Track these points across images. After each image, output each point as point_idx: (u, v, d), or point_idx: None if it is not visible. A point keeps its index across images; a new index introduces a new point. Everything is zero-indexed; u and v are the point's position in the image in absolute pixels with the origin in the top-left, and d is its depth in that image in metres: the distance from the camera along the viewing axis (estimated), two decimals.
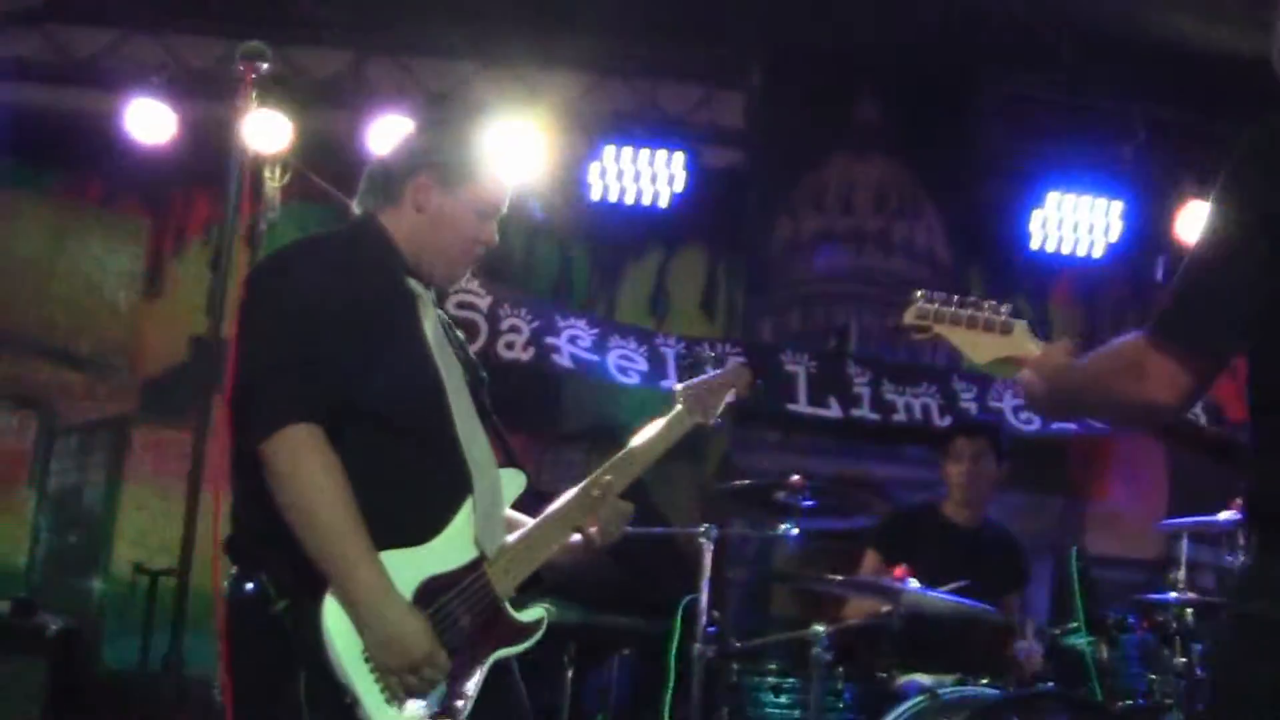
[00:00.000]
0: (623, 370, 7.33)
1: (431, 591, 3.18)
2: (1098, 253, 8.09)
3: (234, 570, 3.21)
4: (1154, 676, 5.36)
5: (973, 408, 7.65)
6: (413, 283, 3.43)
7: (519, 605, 3.36)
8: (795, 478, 5.56)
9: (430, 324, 3.40)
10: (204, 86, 7.37)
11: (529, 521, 3.51)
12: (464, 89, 7.57)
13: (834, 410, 7.48)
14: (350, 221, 3.57)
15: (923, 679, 5.62)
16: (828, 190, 7.97)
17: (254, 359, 3.11)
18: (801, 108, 8.02)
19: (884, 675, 5.70)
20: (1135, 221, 8.03)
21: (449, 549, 3.24)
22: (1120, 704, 5.30)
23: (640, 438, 3.71)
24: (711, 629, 5.51)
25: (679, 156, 7.62)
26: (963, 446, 6.54)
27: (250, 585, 3.11)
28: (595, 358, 7.30)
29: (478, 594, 3.26)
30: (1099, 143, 8.16)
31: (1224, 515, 5.88)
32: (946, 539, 6.42)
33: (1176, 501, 8.44)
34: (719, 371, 4.07)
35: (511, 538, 3.43)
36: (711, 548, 5.54)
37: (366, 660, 3.06)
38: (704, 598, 5.50)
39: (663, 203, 7.72)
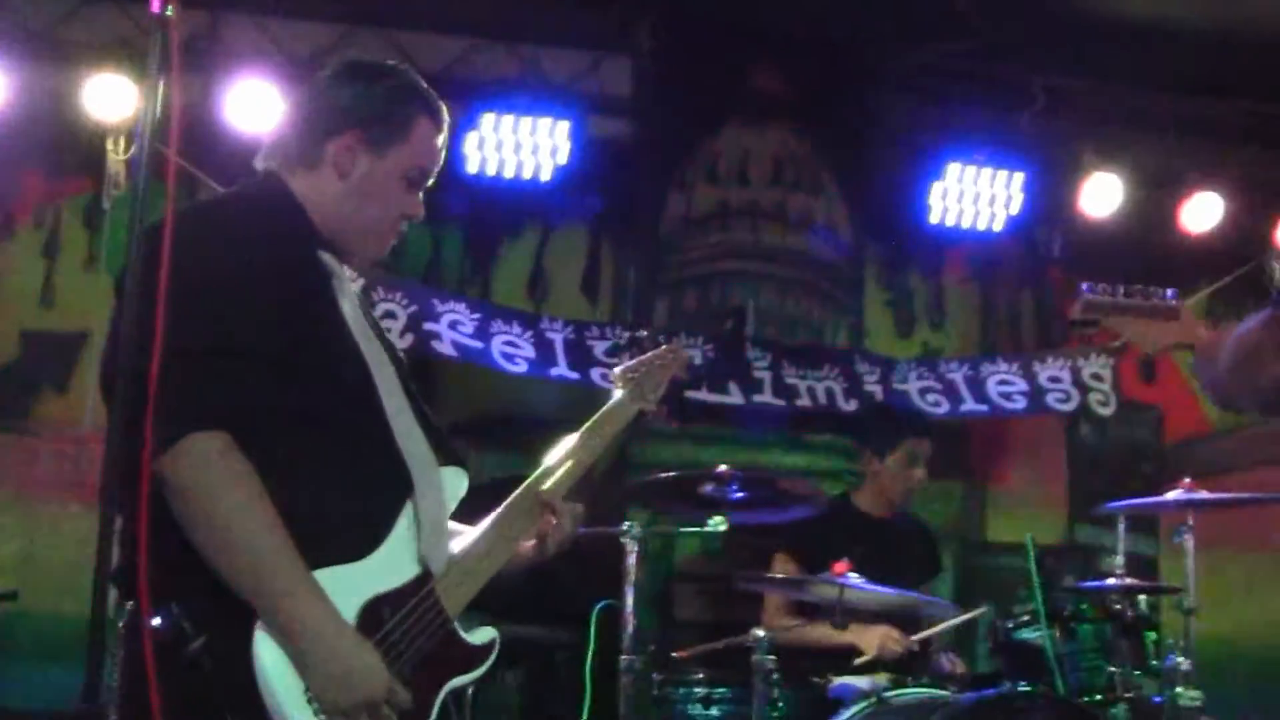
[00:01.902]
0: (509, 358, 6.75)
1: (377, 615, 2.71)
2: (998, 225, 7.73)
3: (129, 604, 2.64)
4: (1113, 668, 5.04)
5: (878, 391, 7.25)
6: (327, 258, 2.91)
7: (465, 626, 2.90)
8: (723, 468, 5.13)
9: (349, 305, 2.90)
10: (39, 48, 6.62)
11: (469, 530, 3.04)
12: (330, 52, 6.89)
13: (735, 397, 7.01)
14: (251, 181, 3.01)
15: (858, 682, 5.26)
16: (721, 162, 7.48)
17: (147, 353, 2.42)
18: (693, 74, 7.50)
19: (818, 680, 5.32)
20: (1034, 193, 7.69)
21: (392, 564, 2.77)
22: (1083, 699, 4.95)
23: (582, 430, 3.34)
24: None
25: (563, 126, 7.04)
26: (919, 449, 6.23)
27: (158, 620, 2.53)
28: (479, 344, 6.71)
29: (428, 615, 2.79)
30: (997, 112, 7.83)
31: (1171, 495, 5.60)
32: (863, 533, 6.10)
33: (1075, 486, 8.21)
34: (658, 351, 3.76)
35: (457, 548, 2.96)
36: (636, 548, 5.07)
37: (310, 702, 2.55)
38: (629, 603, 5.03)
39: (544, 176, 7.13)
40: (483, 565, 2.96)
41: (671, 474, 5.29)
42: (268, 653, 2.53)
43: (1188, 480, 5.50)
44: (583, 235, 7.65)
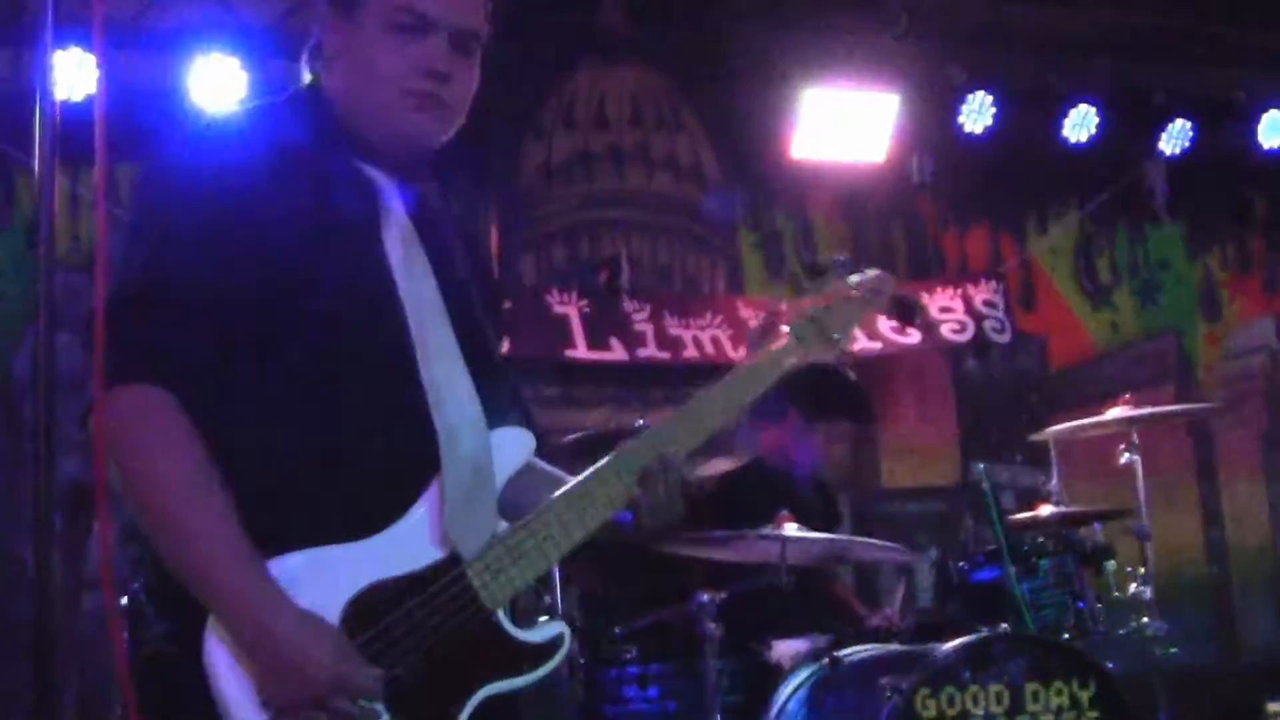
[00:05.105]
0: None
1: (373, 604, 2.27)
2: (867, 154, 7.35)
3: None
4: (1080, 602, 4.69)
5: None
6: (368, 169, 2.42)
7: (526, 620, 2.40)
8: (640, 422, 4.65)
9: (396, 231, 2.41)
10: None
11: (530, 499, 2.47)
12: (150, 13, 6.23)
13: (618, 353, 6.56)
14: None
15: (796, 644, 4.82)
16: (577, 105, 6.98)
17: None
18: (540, 16, 6.97)
19: (754, 645, 4.86)
20: (905, 117, 7.32)
21: (403, 546, 2.32)
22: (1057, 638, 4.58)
23: (719, 381, 2.56)
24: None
25: None
26: None
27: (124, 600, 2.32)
28: None
29: (450, 605, 2.31)
30: (859, 35, 7.43)
31: (1111, 413, 5.29)
32: (769, 484, 5.69)
33: (966, 423, 7.93)
34: (858, 278, 2.81)
35: (506, 525, 2.41)
36: None
37: (264, 706, 2.17)
38: (555, 581, 4.54)
39: None
40: (545, 546, 2.40)
41: (589, 431, 4.81)
42: (218, 654, 2.18)
43: (1128, 395, 5.20)
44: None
